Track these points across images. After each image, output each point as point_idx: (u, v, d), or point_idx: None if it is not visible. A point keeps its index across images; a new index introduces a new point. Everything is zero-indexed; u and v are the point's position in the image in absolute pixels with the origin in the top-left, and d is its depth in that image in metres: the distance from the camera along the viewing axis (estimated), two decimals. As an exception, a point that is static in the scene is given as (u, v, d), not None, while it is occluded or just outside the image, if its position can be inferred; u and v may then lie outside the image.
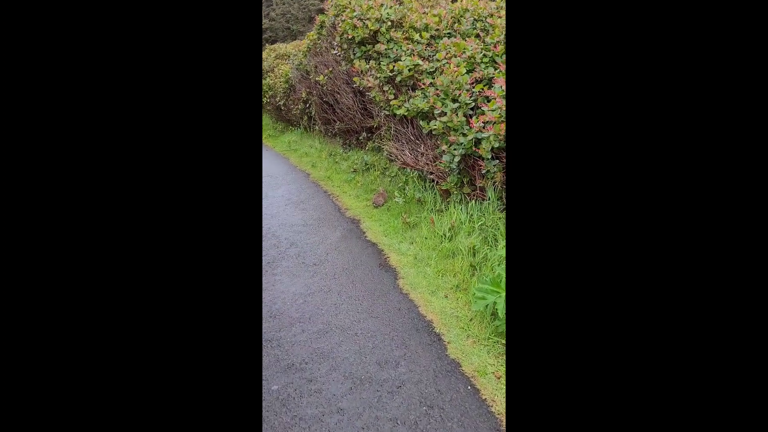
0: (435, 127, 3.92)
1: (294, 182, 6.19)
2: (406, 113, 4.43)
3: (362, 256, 3.67)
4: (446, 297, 2.89)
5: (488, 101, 3.83)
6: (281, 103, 9.04)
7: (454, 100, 3.99)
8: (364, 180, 5.54)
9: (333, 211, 4.84)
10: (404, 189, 4.69)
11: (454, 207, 3.83)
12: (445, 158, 3.79)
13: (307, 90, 7.67)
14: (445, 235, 3.58)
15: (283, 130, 9.95)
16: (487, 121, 3.34)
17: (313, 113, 7.80)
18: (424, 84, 4.31)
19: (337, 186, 5.71)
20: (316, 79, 6.73)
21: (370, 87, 4.75)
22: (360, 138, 6.38)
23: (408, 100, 4.60)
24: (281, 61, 9.79)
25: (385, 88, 4.76)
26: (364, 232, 4.17)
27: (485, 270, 2.89)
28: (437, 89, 4.11)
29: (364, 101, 6.02)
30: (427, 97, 4.20)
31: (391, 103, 4.63)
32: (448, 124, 3.82)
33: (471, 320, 2.57)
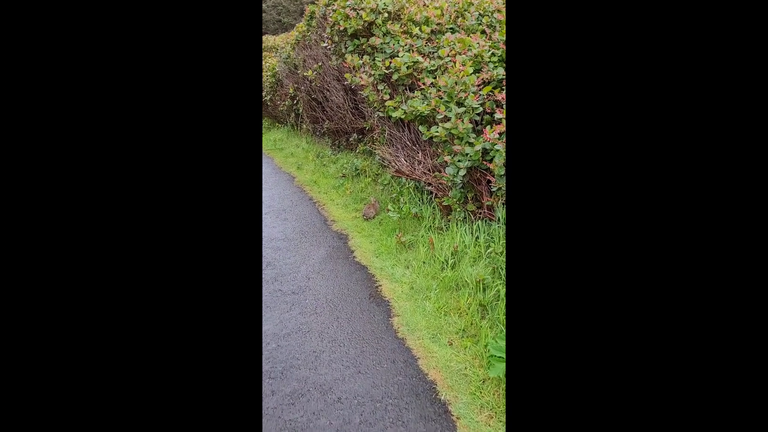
0: (437, 133, 3.36)
1: (277, 186, 5.58)
2: (402, 116, 3.86)
3: (350, 282, 3.10)
4: (451, 345, 2.34)
5: (500, 107, 3.28)
6: (267, 98, 8.39)
7: (459, 104, 3.43)
8: (353, 187, 4.95)
9: (318, 223, 4.25)
10: (398, 200, 4.13)
11: (457, 226, 3.28)
12: (449, 170, 3.23)
13: (295, 85, 7.05)
14: (447, 262, 3.03)
15: (269, 127, 9.30)
16: (503, 132, 2.79)
17: (300, 110, 7.18)
18: (424, 84, 3.74)
19: (324, 192, 5.12)
20: (305, 74, 6.12)
21: (363, 85, 4.17)
22: (350, 140, 5.79)
23: (405, 102, 4.03)
24: (268, 54, 9.13)
25: (380, 87, 4.18)
26: (352, 251, 3.59)
27: (499, 313, 2.34)
28: (439, 90, 3.55)
29: (355, 100, 5.43)
30: (427, 99, 3.63)
31: (386, 104, 4.06)
32: (452, 131, 3.26)
33: (484, 382, 2.03)
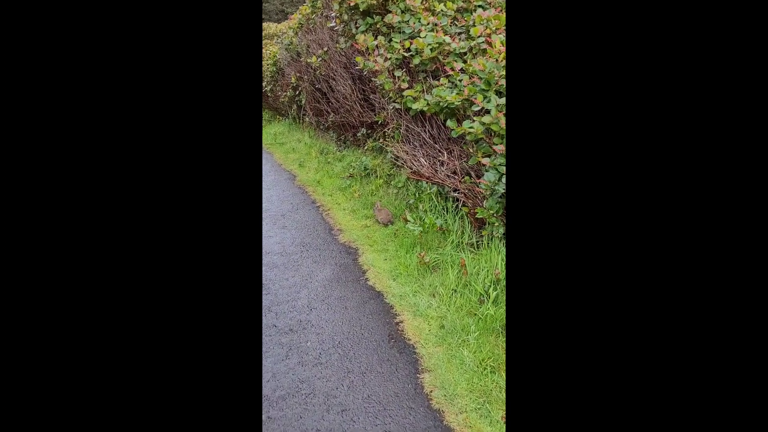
0: (471, 129, 2.67)
1: (276, 186, 4.89)
2: (425, 108, 3.17)
3: (362, 316, 2.42)
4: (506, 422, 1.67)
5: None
6: (268, 89, 7.67)
7: (499, 93, 2.74)
8: (362, 189, 4.26)
9: (322, 233, 3.57)
10: (416, 207, 3.45)
11: (495, 246, 2.61)
12: (488, 176, 2.54)
13: (297, 74, 6.33)
14: (487, 294, 2.35)
15: (270, 119, 8.59)
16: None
17: (303, 102, 6.48)
18: (452, 69, 3.05)
19: (329, 194, 4.43)
20: (308, 60, 5.41)
21: (377, 71, 3.47)
22: (358, 135, 5.10)
23: (427, 91, 3.33)
24: (269, 42, 8.39)
25: (397, 74, 3.48)
26: (364, 271, 2.91)
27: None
28: (473, 76, 2.86)
29: (365, 90, 4.73)
30: (458, 87, 2.94)
31: (404, 93, 3.36)
32: (492, 127, 2.57)
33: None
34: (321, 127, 6.26)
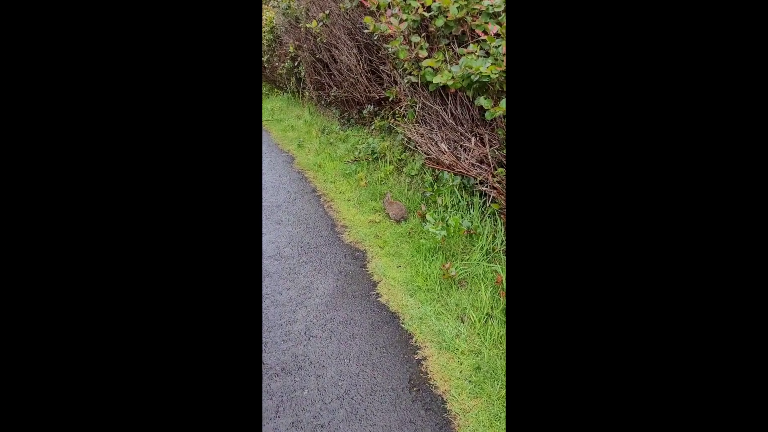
0: (513, 111, 2.09)
1: (272, 170, 4.31)
2: (448, 82, 2.57)
3: (374, 349, 1.90)
4: None
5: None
6: (264, 59, 6.97)
7: (549, 64, 2.14)
8: (369, 177, 3.69)
9: (324, 230, 3.02)
10: (434, 201, 2.88)
11: (540, 258, 2.06)
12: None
13: (296, 43, 5.64)
14: (535, 325, 1.82)
15: (267, 93, 7.90)
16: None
17: (302, 74, 5.81)
18: (486, 33, 2.43)
19: (332, 181, 3.86)
20: (307, 25, 4.73)
21: (390, 35, 2.84)
22: (363, 113, 4.48)
23: (451, 61, 2.71)
24: (264, 6, 7.61)
25: (414, 39, 2.85)
26: (374, 283, 2.38)
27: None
28: (513, 43, 2.25)
29: (372, 61, 4.08)
30: (493, 55, 2.33)
31: (422, 63, 2.75)
32: (540, 108, 1.99)
33: None
34: (322, 102, 5.62)
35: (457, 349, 1.85)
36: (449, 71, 2.57)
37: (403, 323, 2.05)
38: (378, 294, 2.28)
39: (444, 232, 2.34)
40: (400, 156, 3.69)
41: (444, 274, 2.23)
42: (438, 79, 2.63)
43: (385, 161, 3.75)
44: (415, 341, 1.93)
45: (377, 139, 4.07)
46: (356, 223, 3.07)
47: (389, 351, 1.88)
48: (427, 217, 2.50)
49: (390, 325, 2.04)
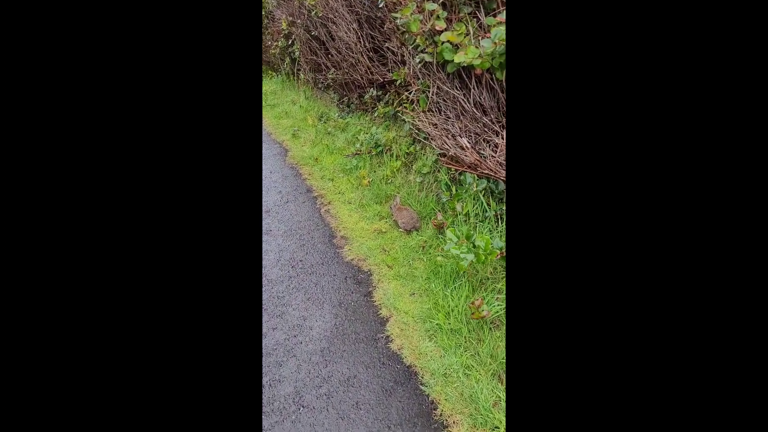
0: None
1: (263, 164, 3.76)
2: (474, 61, 2.00)
3: (386, 426, 1.40)
4: None
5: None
6: (256, 38, 6.31)
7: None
8: (373, 174, 3.14)
9: (320, 242, 2.49)
10: (453, 208, 2.35)
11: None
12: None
13: (290, 18, 5.01)
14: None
15: (261, 75, 7.27)
16: None
17: (297, 54, 5.19)
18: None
19: (329, 178, 3.31)
20: (300, -2, 4.11)
21: (399, 2, 2.26)
22: (365, 97, 3.90)
23: (475, 35, 2.14)
24: (257, -20, 6.91)
25: (429, 7, 2.27)
26: (383, 320, 1.87)
27: None
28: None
29: (375, 37, 3.49)
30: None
31: (439, 38, 2.18)
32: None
33: None
34: (319, 85, 5.02)
35: (498, 428, 1.35)
36: (476, 47, 2.01)
37: (422, 383, 1.55)
38: (388, 336, 1.77)
39: (472, 257, 1.81)
40: (408, 149, 3.13)
41: (473, 313, 1.72)
42: (460, 58, 2.06)
43: (391, 155, 3.19)
44: (441, 413, 1.43)
45: (381, 128, 3.50)
46: (358, 232, 2.55)
47: (409, 427, 1.38)
48: (448, 233, 1.97)
49: (405, 386, 1.54)
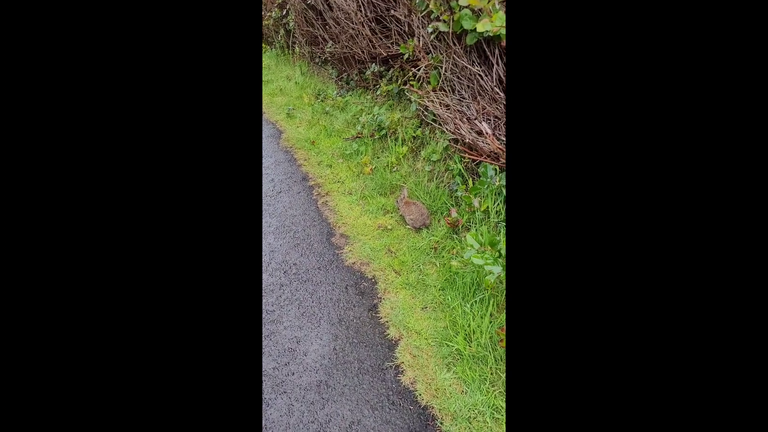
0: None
1: (253, 147, 3.39)
2: (499, 30, 1.64)
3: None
4: None
5: None
6: (248, 8, 5.82)
7: None
8: (376, 160, 2.80)
9: (317, 241, 2.17)
10: (470, 204, 2.02)
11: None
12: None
13: (283, -14, 4.55)
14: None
15: (255, 49, 6.78)
16: None
17: (292, 26, 4.74)
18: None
19: (327, 165, 2.97)
20: (294, -39, 3.65)
21: (411, -43, 1.87)
22: (366, 73, 3.50)
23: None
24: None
25: (446, -34, 1.88)
26: (391, 342, 1.56)
27: None
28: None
29: (377, 6, 3.08)
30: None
31: (457, 3, 1.81)
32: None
33: None
34: (316, 60, 4.60)
35: (540, 497, 1.06)
36: (502, 15, 1.64)
37: (443, 429, 1.25)
38: (398, 366, 1.46)
39: (499, 270, 1.49)
40: (414, 133, 2.78)
41: (502, 340, 1.41)
42: (484, 27, 1.69)
43: (396, 139, 2.84)
44: (467, 475, 1.14)
45: (384, 108, 3.13)
46: (360, 229, 2.22)
47: (424, 498, 1.09)
48: (469, 238, 1.64)
49: (421, 434, 1.25)
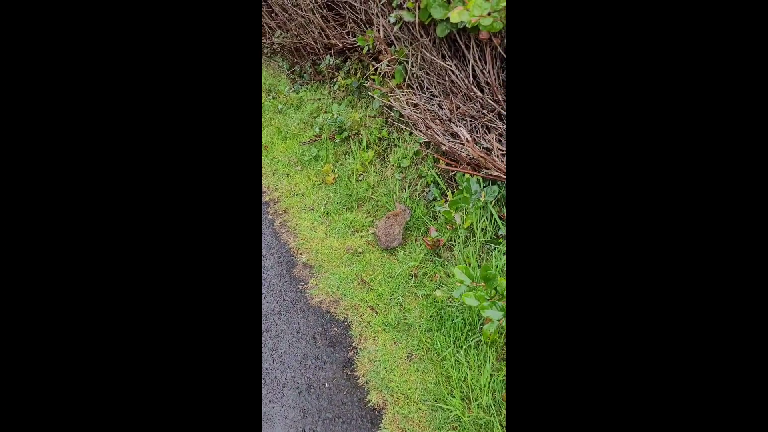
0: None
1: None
2: (482, 20, 1.33)
3: None
4: None
5: None
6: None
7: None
8: (339, 167, 2.45)
9: (276, 274, 1.82)
10: (450, 220, 1.73)
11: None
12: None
13: (220, -31, 4.00)
14: None
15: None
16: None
17: (234, 14, 4.22)
18: None
19: (284, 173, 2.59)
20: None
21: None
22: (320, 66, 3.11)
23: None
24: None
25: (408, -60, 1.53)
26: (374, 412, 1.25)
27: None
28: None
29: (328, -11, 2.67)
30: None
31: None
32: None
33: None
34: (265, 51, 4.13)
35: None
36: (483, 3, 1.32)
37: None
38: (385, 445, 1.17)
39: (500, 315, 1.21)
40: (380, 133, 2.44)
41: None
42: (460, 16, 1.37)
43: (359, 141, 2.49)
44: None
45: (343, 105, 2.77)
46: (326, 255, 1.89)
47: None
48: (457, 272, 1.35)
49: None
